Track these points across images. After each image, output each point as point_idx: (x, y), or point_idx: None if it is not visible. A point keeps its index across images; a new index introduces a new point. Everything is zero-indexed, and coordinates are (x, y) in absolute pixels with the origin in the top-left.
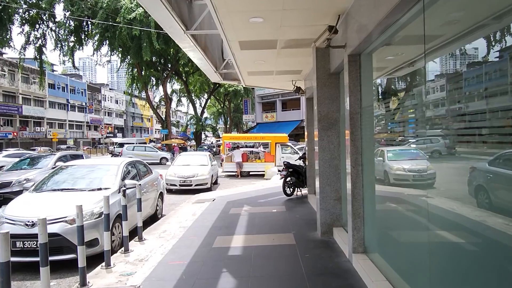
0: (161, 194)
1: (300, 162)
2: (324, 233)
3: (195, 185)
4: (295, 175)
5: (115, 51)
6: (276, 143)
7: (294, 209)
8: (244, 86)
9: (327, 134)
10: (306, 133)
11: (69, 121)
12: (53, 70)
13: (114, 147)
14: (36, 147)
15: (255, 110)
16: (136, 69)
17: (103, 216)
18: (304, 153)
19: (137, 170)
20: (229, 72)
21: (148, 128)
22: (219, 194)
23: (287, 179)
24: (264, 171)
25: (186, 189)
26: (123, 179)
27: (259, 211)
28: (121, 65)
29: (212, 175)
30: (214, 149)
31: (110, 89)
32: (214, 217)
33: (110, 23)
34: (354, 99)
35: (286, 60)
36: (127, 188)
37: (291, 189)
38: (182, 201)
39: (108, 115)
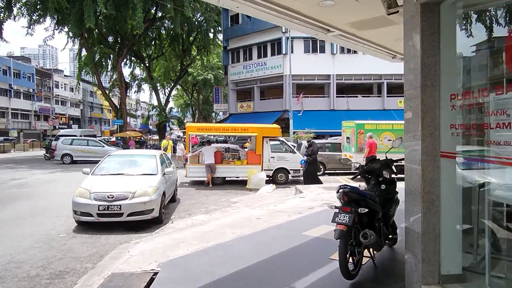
0: None
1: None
2: None
3: (129, 215)
4: (367, 220)
5: (53, 22)
6: (263, 138)
7: None
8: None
9: None
10: (407, 112)
11: (12, 109)
12: None
13: (51, 141)
14: None
15: (228, 99)
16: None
17: None
18: (389, 160)
19: None
20: None
21: (109, 119)
22: (171, 248)
23: (350, 234)
24: (246, 178)
25: (112, 221)
26: None
27: None
28: (67, 41)
29: (165, 192)
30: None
31: (65, 75)
32: None
33: None
34: None
35: None
36: None
37: (357, 258)
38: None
39: (61, 104)
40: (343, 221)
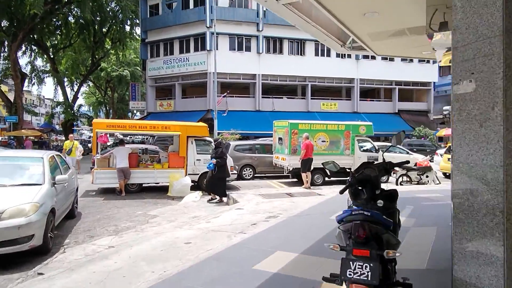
0: None
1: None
2: None
3: None
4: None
5: None
6: (188, 137)
7: None
8: None
9: None
10: (464, 83)
11: None
12: None
13: None
14: None
15: (146, 97)
16: None
17: None
18: (388, 163)
19: None
20: None
21: (4, 117)
22: None
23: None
24: (168, 184)
25: None
26: None
27: None
28: None
29: (54, 209)
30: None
31: None
32: None
33: None
34: None
35: None
36: None
37: None
38: None
39: None
40: (365, 279)
